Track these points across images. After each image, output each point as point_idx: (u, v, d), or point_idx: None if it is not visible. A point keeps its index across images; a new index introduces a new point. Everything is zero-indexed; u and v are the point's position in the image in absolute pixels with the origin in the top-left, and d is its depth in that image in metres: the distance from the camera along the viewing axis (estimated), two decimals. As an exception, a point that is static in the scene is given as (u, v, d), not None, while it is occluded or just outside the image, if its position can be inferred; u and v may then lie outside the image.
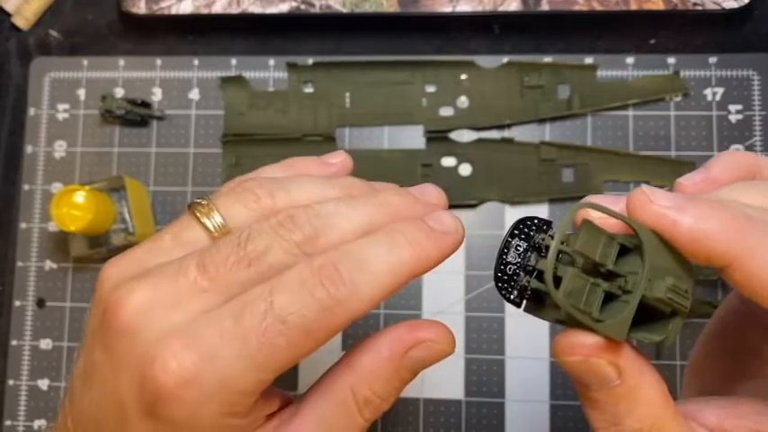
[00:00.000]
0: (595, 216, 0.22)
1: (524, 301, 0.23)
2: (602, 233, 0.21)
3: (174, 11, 0.46)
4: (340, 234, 0.23)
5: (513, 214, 0.44)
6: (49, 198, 0.45)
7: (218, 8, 0.46)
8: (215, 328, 0.21)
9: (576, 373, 0.21)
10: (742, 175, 0.24)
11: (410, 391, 0.42)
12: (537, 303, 0.23)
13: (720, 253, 0.20)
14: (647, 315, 0.22)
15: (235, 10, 0.46)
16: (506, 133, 0.45)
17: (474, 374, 0.42)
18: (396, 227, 0.23)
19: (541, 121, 0.44)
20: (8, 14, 0.48)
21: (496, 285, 0.23)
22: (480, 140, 0.45)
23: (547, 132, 0.45)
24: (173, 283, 0.22)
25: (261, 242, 0.22)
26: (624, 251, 0.22)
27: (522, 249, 0.23)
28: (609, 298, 0.21)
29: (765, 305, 0.20)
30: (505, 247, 0.23)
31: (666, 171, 0.43)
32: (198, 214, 0.24)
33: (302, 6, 0.45)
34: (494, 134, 0.45)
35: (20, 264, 0.46)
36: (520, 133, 0.45)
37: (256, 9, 0.45)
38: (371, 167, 0.45)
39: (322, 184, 0.25)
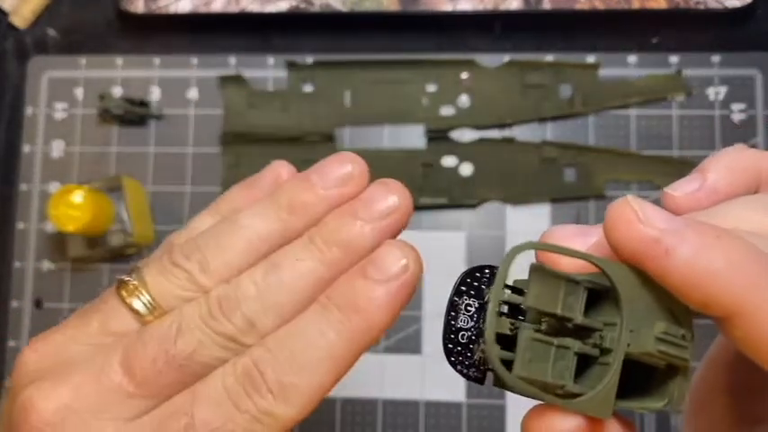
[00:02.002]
0: (565, 261, 0.17)
1: (488, 373, 0.18)
2: (560, 278, 0.17)
3: (172, 10, 0.45)
4: (276, 314, 0.20)
5: (514, 214, 0.43)
6: (47, 198, 0.45)
7: (216, 7, 0.45)
8: None
9: None
10: (745, 181, 0.20)
11: (411, 394, 0.42)
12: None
13: (723, 302, 0.15)
14: (639, 373, 0.17)
15: (234, 8, 0.45)
16: (507, 133, 0.44)
17: (475, 376, 0.42)
18: (328, 296, 0.20)
19: (543, 120, 0.44)
20: (6, 13, 0.48)
21: (448, 360, 0.18)
22: (481, 140, 0.44)
23: (548, 132, 0.44)
24: (95, 384, 0.20)
25: (191, 339, 0.20)
26: (596, 295, 0.17)
27: (473, 310, 0.18)
28: (586, 359, 0.17)
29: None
30: (453, 309, 0.18)
31: (669, 171, 0.43)
32: (125, 294, 0.21)
33: (302, 5, 0.45)
34: (495, 133, 0.44)
35: (17, 264, 0.45)
36: (521, 133, 0.44)
37: (255, 8, 0.45)
38: (371, 167, 0.44)
39: (259, 223, 0.22)
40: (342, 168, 0.22)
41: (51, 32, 0.48)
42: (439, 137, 0.44)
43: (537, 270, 0.17)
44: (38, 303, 0.45)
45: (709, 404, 0.22)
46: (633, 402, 0.17)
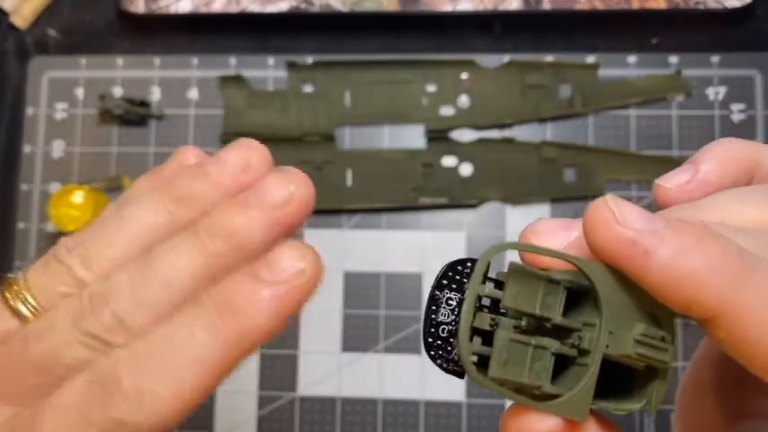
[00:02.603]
0: (546, 259, 0.17)
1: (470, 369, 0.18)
2: (539, 277, 0.16)
3: (172, 10, 0.46)
4: (148, 311, 0.18)
5: (514, 214, 0.43)
6: (47, 198, 0.45)
7: (217, 7, 0.45)
8: None
9: None
10: (737, 172, 0.19)
11: (411, 393, 0.42)
12: (484, 368, 0.17)
13: (705, 303, 0.15)
14: (618, 373, 0.17)
15: (234, 9, 0.45)
16: (507, 133, 0.44)
17: (475, 376, 0.42)
18: (208, 294, 0.18)
19: (542, 120, 0.44)
20: (6, 13, 0.48)
21: (428, 354, 0.18)
22: (481, 140, 0.44)
23: (548, 132, 0.44)
24: None
25: (54, 339, 0.18)
26: (576, 296, 0.17)
27: (454, 304, 0.18)
28: (564, 359, 0.17)
29: (754, 368, 0.16)
30: (434, 302, 0.18)
31: (668, 171, 0.43)
32: (8, 296, 0.20)
33: (302, 5, 0.45)
34: (495, 134, 0.44)
35: (18, 264, 0.45)
36: (521, 133, 0.44)
37: (256, 8, 0.45)
38: (372, 167, 0.44)
39: (145, 215, 0.20)
40: (239, 155, 0.21)
41: (52, 33, 0.48)
42: (439, 137, 0.44)
43: (516, 270, 0.16)
44: (38, 303, 0.45)
45: (699, 401, 0.22)
46: (610, 403, 0.17)
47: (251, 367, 0.43)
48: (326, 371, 0.43)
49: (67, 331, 0.18)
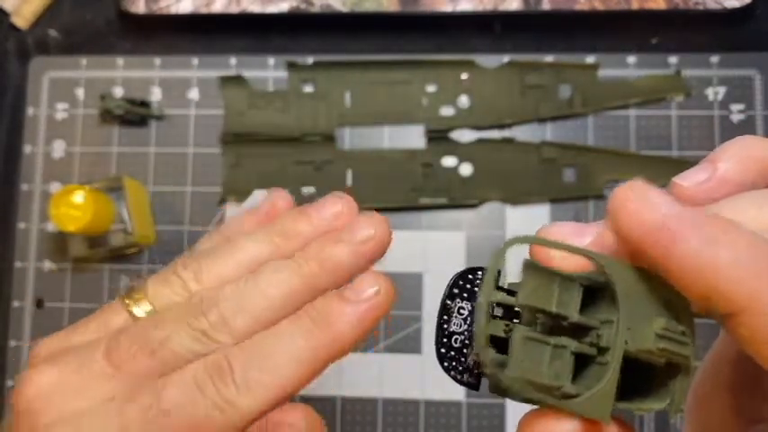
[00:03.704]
0: (555, 254, 0.16)
1: (483, 378, 0.18)
2: (554, 274, 0.16)
3: (173, 10, 0.46)
4: (250, 316, 0.22)
5: (513, 214, 0.44)
6: (48, 198, 0.45)
7: (217, 7, 0.45)
8: (101, 419, 0.21)
9: None
10: (757, 172, 0.18)
11: (411, 393, 0.42)
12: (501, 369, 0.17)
13: (728, 296, 0.15)
14: (637, 372, 0.16)
15: (234, 9, 0.45)
16: (507, 133, 0.44)
17: (475, 375, 0.42)
18: (305, 309, 0.22)
19: (542, 120, 0.44)
20: (7, 14, 0.48)
21: (442, 366, 0.18)
22: (481, 140, 0.44)
23: (548, 132, 0.44)
24: (79, 367, 0.22)
25: (165, 330, 0.22)
26: (592, 293, 0.16)
27: (466, 313, 0.17)
28: (583, 359, 0.16)
29: None
30: (445, 312, 0.17)
31: (668, 171, 0.43)
32: (127, 301, 0.24)
33: (302, 5, 0.45)
34: (494, 134, 0.44)
35: (18, 264, 0.45)
36: (521, 133, 0.44)
37: (256, 8, 0.45)
38: (372, 167, 0.45)
39: (251, 245, 0.25)
40: (334, 204, 0.25)
41: (52, 33, 0.48)
42: (439, 137, 0.45)
43: (530, 266, 0.16)
44: (39, 303, 0.45)
45: (712, 401, 0.21)
46: (632, 404, 0.16)
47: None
48: (327, 370, 0.43)
49: (180, 325, 0.22)
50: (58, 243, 0.45)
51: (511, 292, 0.17)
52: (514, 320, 0.17)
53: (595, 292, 0.16)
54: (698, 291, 0.15)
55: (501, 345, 0.16)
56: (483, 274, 0.17)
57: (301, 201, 0.44)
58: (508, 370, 0.15)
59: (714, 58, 0.44)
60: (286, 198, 0.29)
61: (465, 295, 0.17)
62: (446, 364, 0.18)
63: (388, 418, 0.42)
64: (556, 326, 0.16)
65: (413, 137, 0.45)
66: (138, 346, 0.22)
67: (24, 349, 0.45)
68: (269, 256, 0.24)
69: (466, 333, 0.17)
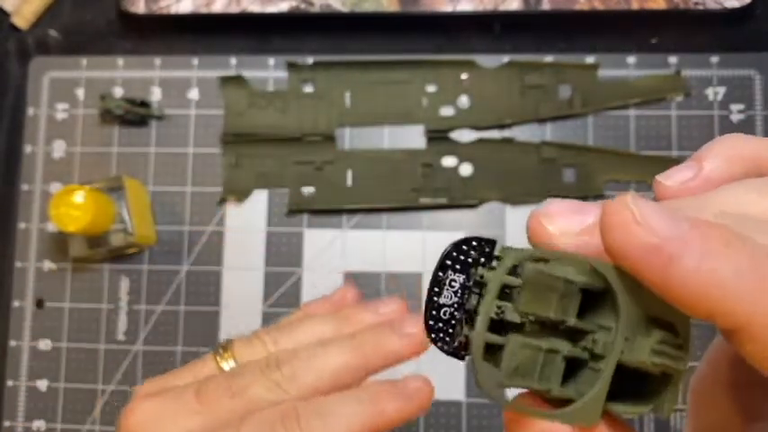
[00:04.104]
0: (564, 241, 0.16)
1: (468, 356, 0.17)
2: (557, 279, 0.16)
3: (173, 10, 0.46)
4: (316, 375, 0.28)
5: (513, 214, 0.44)
6: (48, 198, 0.45)
7: (217, 7, 0.45)
8: None
9: None
10: (742, 171, 0.18)
11: (410, 392, 0.42)
12: (490, 357, 0.17)
13: (731, 313, 0.14)
14: (629, 376, 0.16)
15: (234, 9, 0.45)
16: (507, 133, 0.45)
17: (475, 375, 0.42)
18: (365, 386, 0.28)
19: (542, 120, 0.44)
20: (7, 14, 0.48)
21: (429, 336, 0.17)
22: (481, 140, 0.44)
23: (548, 132, 0.44)
24: (173, 402, 0.28)
25: (245, 379, 0.28)
26: (590, 296, 0.16)
27: (457, 285, 0.17)
28: (574, 362, 0.16)
29: None
30: (436, 284, 0.17)
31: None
32: (217, 358, 0.30)
33: (302, 5, 0.45)
34: (494, 134, 0.45)
35: (19, 264, 0.45)
36: (520, 133, 0.44)
37: (256, 8, 0.45)
38: (372, 167, 0.45)
39: (320, 324, 0.31)
40: (389, 304, 0.33)
41: (53, 33, 0.48)
42: (439, 137, 0.45)
43: (531, 273, 0.16)
44: (39, 303, 0.45)
45: (712, 400, 0.21)
46: (620, 406, 0.16)
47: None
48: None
49: (258, 376, 0.28)
50: (59, 243, 0.45)
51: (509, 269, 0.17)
52: (505, 299, 0.16)
53: (594, 295, 0.16)
54: (700, 311, 0.14)
55: (492, 324, 0.16)
56: (477, 246, 0.17)
57: (301, 200, 0.44)
58: (503, 371, 0.15)
59: (714, 59, 0.44)
60: (354, 292, 0.35)
61: (458, 267, 0.17)
62: (433, 335, 0.17)
63: (388, 417, 0.42)
64: (552, 326, 0.16)
65: (413, 137, 0.45)
66: (222, 389, 0.27)
67: (25, 349, 0.45)
68: (335, 334, 0.31)
69: (455, 305, 0.17)
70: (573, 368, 0.16)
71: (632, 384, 0.16)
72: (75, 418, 0.44)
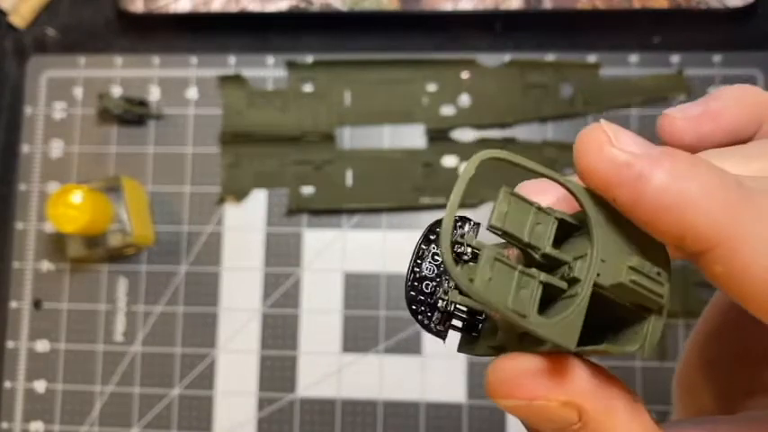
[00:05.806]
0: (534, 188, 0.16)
1: (450, 332, 0.17)
2: (530, 204, 0.16)
3: (171, 9, 0.45)
4: None
5: (514, 214, 0.43)
6: (46, 198, 0.44)
7: (216, 6, 0.45)
8: None
9: (521, 418, 0.16)
10: (749, 117, 0.18)
11: (411, 395, 0.42)
12: (470, 334, 0.17)
13: (700, 232, 0.14)
14: (612, 319, 0.16)
15: (233, 8, 0.45)
16: (508, 132, 0.44)
17: (476, 377, 0.42)
18: None
19: (544, 120, 0.44)
20: (5, 13, 0.47)
21: (410, 309, 0.17)
22: (482, 140, 0.44)
23: (549, 131, 0.44)
24: None
25: None
26: (566, 234, 0.16)
27: (440, 259, 0.17)
28: (552, 296, 0.15)
29: (754, 309, 0.15)
30: (418, 256, 0.17)
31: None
32: None
33: (302, 4, 0.45)
34: (495, 133, 0.44)
35: (16, 264, 0.45)
36: (522, 132, 0.44)
37: (255, 7, 0.45)
38: (372, 167, 0.44)
39: None
40: None
41: (50, 32, 0.47)
42: (439, 137, 0.44)
43: (507, 192, 0.16)
44: (37, 304, 0.45)
45: (703, 380, 0.21)
46: (602, 346, 0.16)
47: (250, 368, 0.43)
48: (326, 372, 0.43)
49: None
50: (56, 243, 0.45)
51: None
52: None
53: (570, 232, 0.16)
54: (670, 230, 0.14)
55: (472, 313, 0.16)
56: (461, 223, 0.17)
57: (301, 200, 0.44)
58: (476, 282, 0.14)
59: (716, 58, 0.44)
60: None
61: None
62: (414, 307, 0.17)
63: (388, 419, 0.42)
64: (526, 260, 0.16)
65: (413, 136, 0.45)
66: None
67: (22, 350, 0.44)
68: None
69: (436, 278, 0.17)
70: (549, 304, 0.16)
71: (616, 328, 0.16)
72: (73, 420, 0.43)
